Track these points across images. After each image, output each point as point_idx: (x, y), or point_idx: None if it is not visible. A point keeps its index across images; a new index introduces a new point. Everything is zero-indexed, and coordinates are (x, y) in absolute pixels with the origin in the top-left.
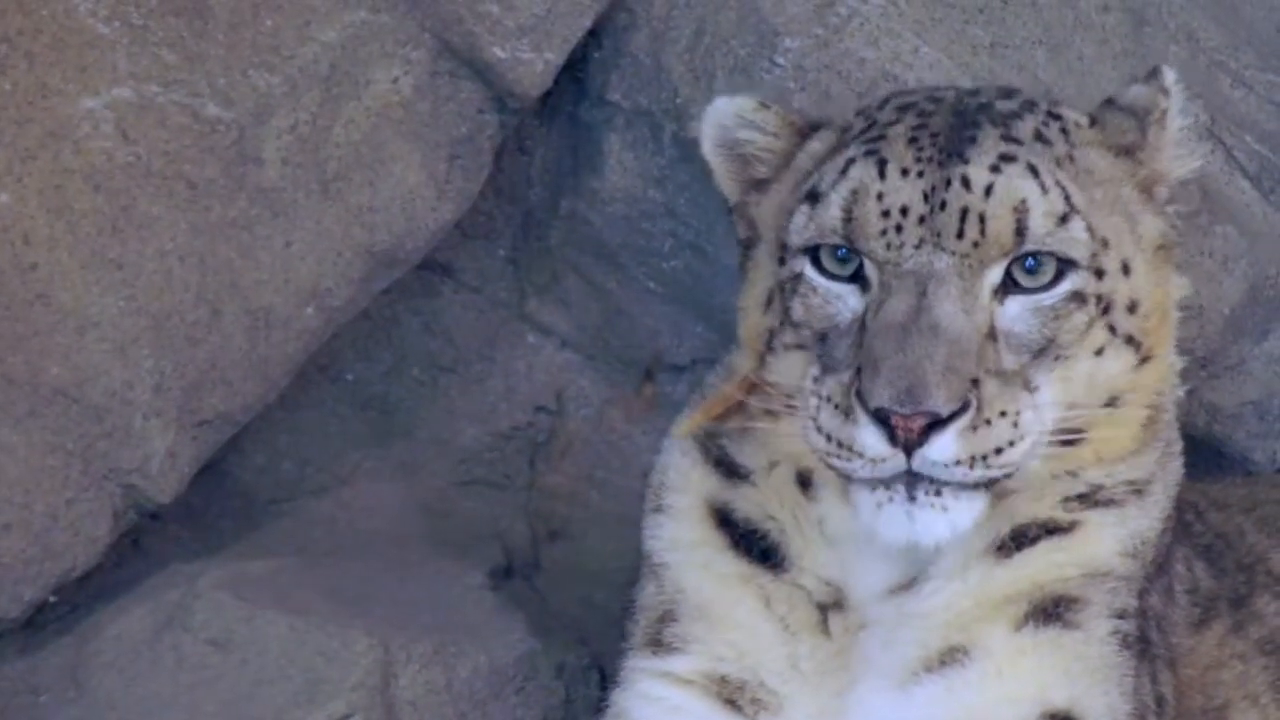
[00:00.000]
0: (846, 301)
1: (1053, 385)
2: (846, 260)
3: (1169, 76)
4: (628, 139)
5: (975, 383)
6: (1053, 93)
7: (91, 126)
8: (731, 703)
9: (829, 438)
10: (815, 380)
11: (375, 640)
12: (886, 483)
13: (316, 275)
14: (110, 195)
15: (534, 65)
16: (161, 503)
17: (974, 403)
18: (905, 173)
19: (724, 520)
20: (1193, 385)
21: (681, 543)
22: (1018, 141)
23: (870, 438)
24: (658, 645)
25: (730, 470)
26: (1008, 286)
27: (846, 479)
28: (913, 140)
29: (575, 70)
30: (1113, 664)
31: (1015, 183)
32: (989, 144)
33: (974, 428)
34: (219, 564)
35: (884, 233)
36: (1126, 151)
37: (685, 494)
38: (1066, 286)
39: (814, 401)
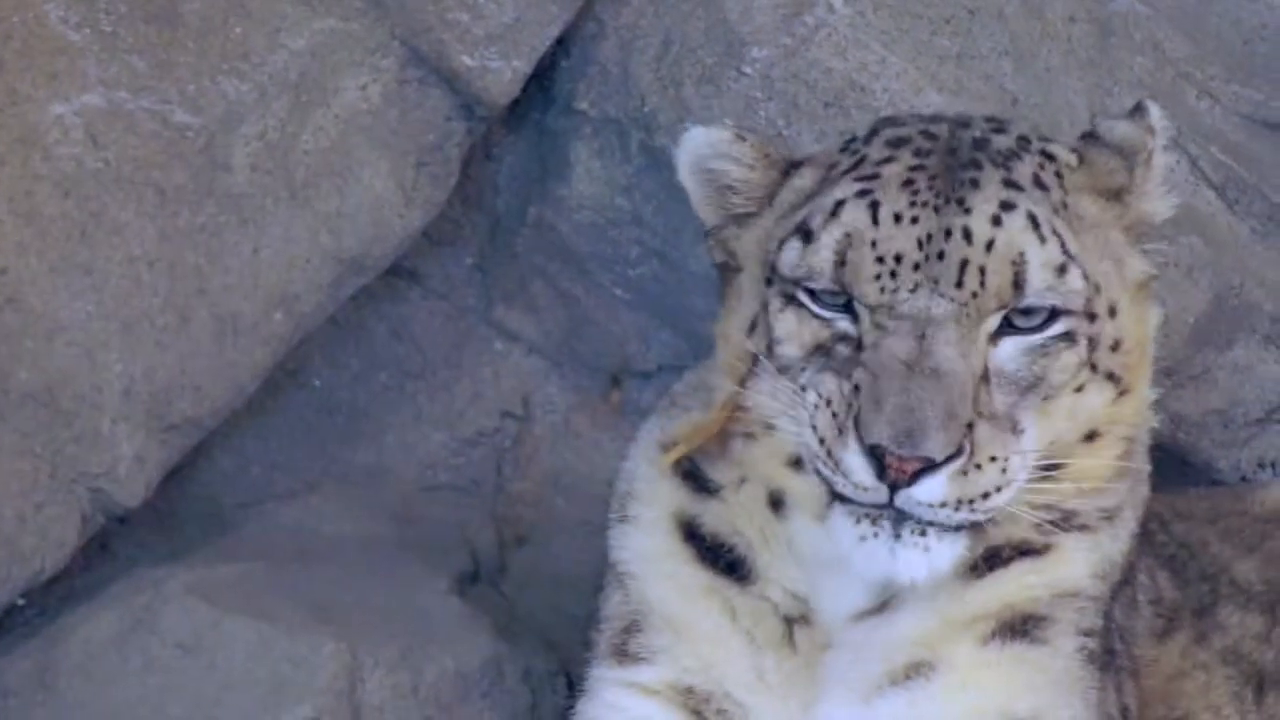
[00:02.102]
0: (838, 326)
1: (1037, 425)
2: (838, 293)
3: (1154, 113)
4: (595, 147)
5: (969, 427)
6: (1019, 102)
7: (61, 132)
8: (697, 714)
9: (822, 442)
10: (813, 377)
11: (342, 644)
12: (872, 517)
13: (285, 281)
14: (80, 201)
15: (502, 74)
16: (129, 507)
17: (967, 448)
18: (899, 219)
19: (691, 533)
20: (1161, 407)
21: (648, 554)
22: (1018, 188)
23: (858, 467)
24: (623, 655)
25: (699, 484)
26: (1002, 330)
27: (830, 493)
28: (908, 183)
29: (543, 79)
30: (1077, 678)
31: (1016, 236)
32: (990, 190)
33: (964, 472)
34: (187, 568)
35: (878, 277)
36: (1115, 195)
37: (652, 506)
38: (1059, 328)
39: (812, 398)
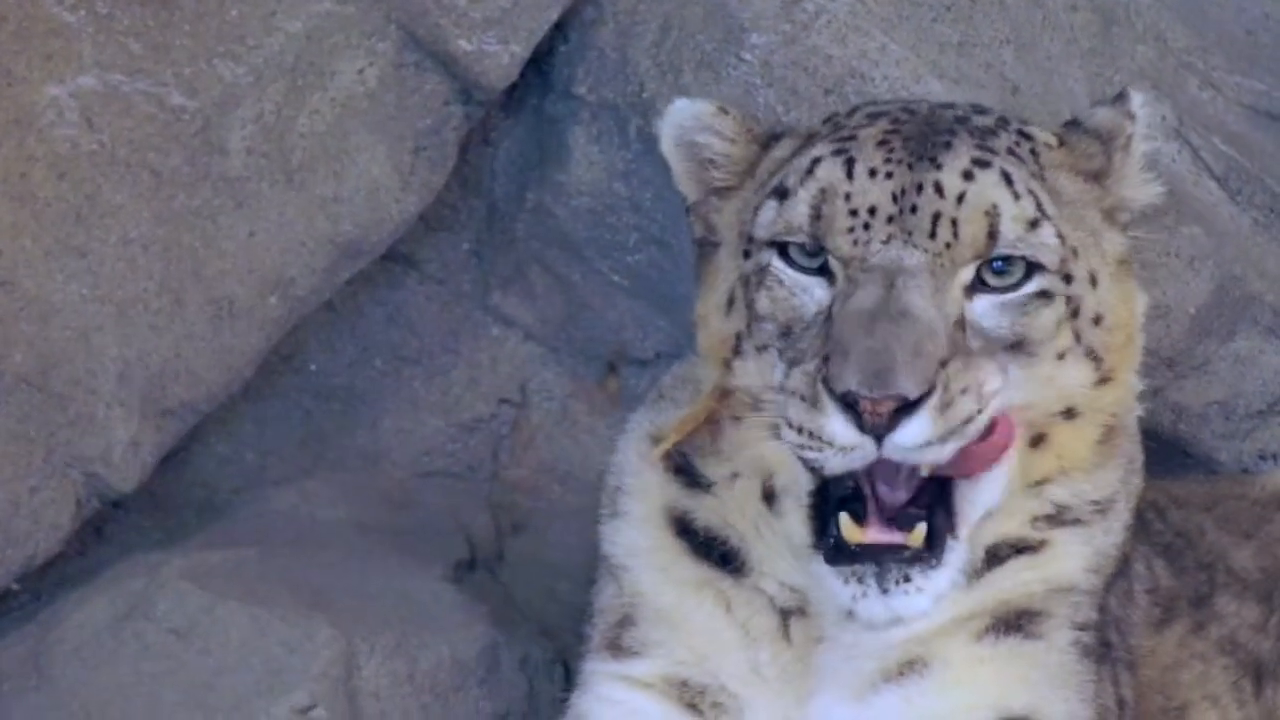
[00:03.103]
0: (813, 294)
1: (1019, 380)
2: (814, 254)
3: (1135, 100)
4: (593, 133)
5: (943, 364)
6: (1020, 90)
7: (56, 114)
8: (692, 706)
9: (799, 430)
10: (782, 377)
11: (338, 631)
12: (859, 575)
13: (280, 265)
14: (75, 183)
15: (500, 58)
16: (124, 491)
17: (941, 383)
18: (874, 173)
19: (684, 528)
20: (1157, 389)
21: (640, 549)
22: (991, 151)
23: (838, 425)
24: (617, 649)
25: (691, 480)
26: (976, 286)
27: (812, 540)
28: (883, 143)
29: (541, 63)
30: (1072, 671)
31: (988, 190)
32: (962, 150)
33: (941, 407)
34: (181, 553)
35: (851, 230)
36: (1094, 177)
37: (644, 501)
38: (1034, 286)
39: (781, 398)
